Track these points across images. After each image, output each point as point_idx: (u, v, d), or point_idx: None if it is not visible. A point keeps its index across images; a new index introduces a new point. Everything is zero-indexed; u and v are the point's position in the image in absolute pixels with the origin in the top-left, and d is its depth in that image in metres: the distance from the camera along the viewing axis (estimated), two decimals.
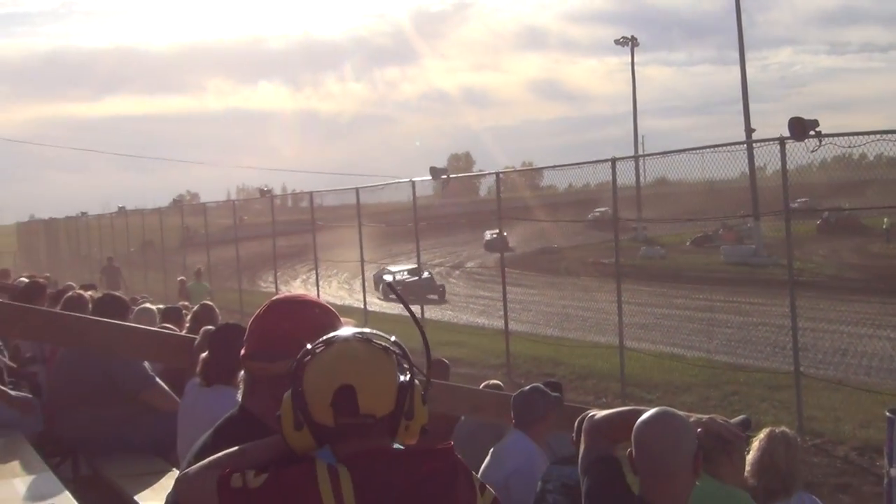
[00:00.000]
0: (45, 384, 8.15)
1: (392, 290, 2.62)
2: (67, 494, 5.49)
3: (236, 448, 2.35)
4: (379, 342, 2.30)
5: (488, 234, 43.97)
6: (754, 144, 16.66)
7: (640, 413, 3.43)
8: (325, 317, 2.58)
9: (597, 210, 33.55)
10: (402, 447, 2.29)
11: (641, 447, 3.29)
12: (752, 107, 43.04)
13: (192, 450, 2.55)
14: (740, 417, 4.32)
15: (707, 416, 3.68)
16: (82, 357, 6.93)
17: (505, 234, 36.37)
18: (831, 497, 9.82)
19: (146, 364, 7.12)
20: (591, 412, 3.70)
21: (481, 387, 7.54)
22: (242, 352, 2.62)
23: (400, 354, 2.31)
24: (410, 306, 2.54)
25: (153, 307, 10.23)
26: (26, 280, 10.65)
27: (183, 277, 27.76)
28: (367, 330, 2.36)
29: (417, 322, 2.47)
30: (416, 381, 2.30)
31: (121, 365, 6.88)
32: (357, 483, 2.16)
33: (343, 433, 2.23)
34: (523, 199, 24.75)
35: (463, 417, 7.17)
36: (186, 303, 16.19)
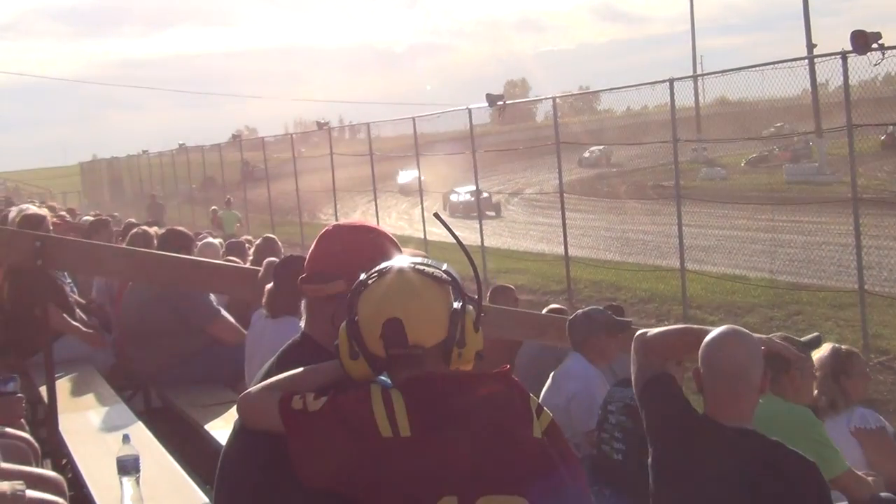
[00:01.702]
0: (114, 319, 8.34)
1: (439, 220, 2.62)
2: (140, 425, 5.64)
3: (297, 370, 2.41)
4: (429, 271, 2.33)
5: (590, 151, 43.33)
6: (816, 60, 16.30)
7: (693, 331, 3.44)
8: (376, 241, 2.61)
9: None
10: (457, 372, 2.33)
11: (711, 365, 3.28)
12: (813, 21, 42.14)
13: (257, 376, 2.61)
14: (812, 335, 4.32)
15: (766, 336, 3.68)
16: (150, 293, 7.06)
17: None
18: None
19: (212, 297, 7.25)
20: (641, 330, 3.70)
21: (544, 311, 7.57)
22: (301, 277, 2.67)
23: (451, 282, 2.34)
24: (459, 233, 2.56)
25: (216, 241, 10.36)
26: (91, 218, 10.82)
27: (215, 207, 28.27)
28: (418, 259, 2.38)
29: (465, 249, 2.49)
30: (470, 308, 2.33)
31: (187, 299, 7.01)
32: (410, 407, 2.21)
33: (395, 363, 2.28)
34: (580, 123, 24.57)
35: (525, 342, 7.21)
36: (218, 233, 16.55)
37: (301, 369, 2.41)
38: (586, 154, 42.53)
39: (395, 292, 2.28)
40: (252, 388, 2.44)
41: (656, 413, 3.51)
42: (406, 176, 30.76)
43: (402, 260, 2.37)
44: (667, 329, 3.70)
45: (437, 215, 2.69)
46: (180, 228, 8.88)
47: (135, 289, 7.29)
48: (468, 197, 29.20)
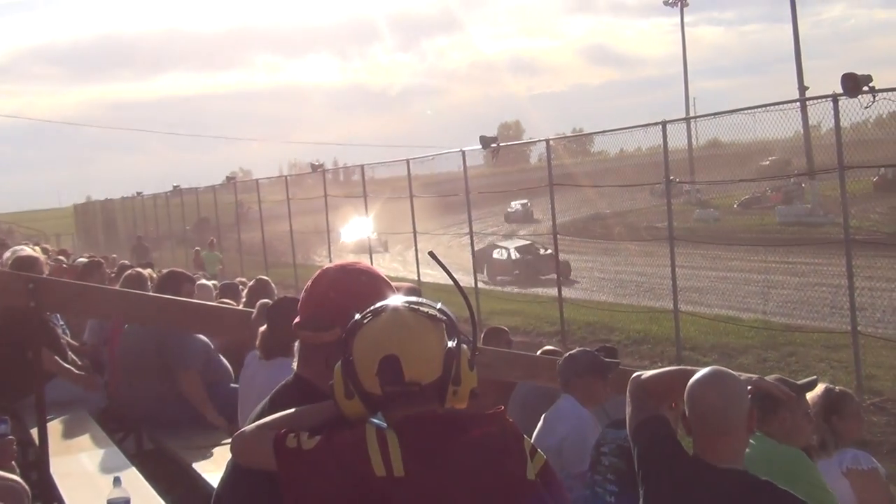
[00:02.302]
0: (107, 361, 8.32)
1: (434, 259, 2.64)
2: (132, 467, 5.62)
3: (291, 410, 2.41)
4: (424, 310, 2.34)
5: (513, 206, 43.68)
6: (808, 103, 16.45)
7: (688, 372, 3.45)
8: (371, 284, 2.61)
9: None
10: (452, 411, 2.33)
11: (695, 406, 3.30)
12: (805, 64, 42.54)
13: (250, 417, 2.61)
14: (809, 379, 4.32)
15: (756, 376, 3.69)
16: (144, 333, 7.07)
17: (529, 204, 35.62)
18: (890, 455, 9.73)
19: (204, 345, 7.22)
20: (637, 373, 3.72)
21: (538, 353, 7.57)
22: (295, 321, 2.67)
23: (446, 321, 2.35)
24: (458, 279, 2.57)
25: (209, 283, 10.36)
26: (85, 260, 10.82)
27: (198, 248, 28.41)
28: (413, 298, 2.39)
29: (460, 288, 2.51)
30: (464, 347, 2.34)
31: (172, 340, 7.01)
32: (405, 446, 2.21)
33: (391, 401, 2.28)
34: (573, 165, 24.66)
35: (518, 384, 7.21)
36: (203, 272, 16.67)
37: (296, 409, 2.42)
38: (510, 209, 43.35)
39: (391, 330, 2.29)
40: (247, 427, 2.45)
41: (648, 454, 3.51)
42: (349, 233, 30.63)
43: (396, 299, 2.39)
44: (662, 371, 3.71)
45: (432, 254, 2.70)
46: (180, 270, 8.89)
47: (132, 330, 7.28)
48: (516, 255, 28.53)
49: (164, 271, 9.06)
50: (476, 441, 2.28)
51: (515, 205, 42.39)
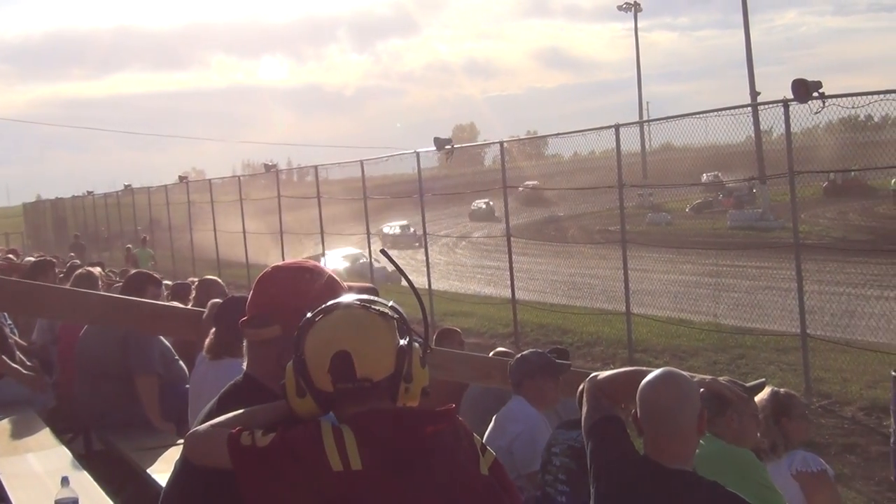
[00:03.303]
0: (56, 361, 8.23)
1: (386, 257, 2.64)
2: (80, 468, 5.56)
3: (244, 410, 2.40)
4: (376, 308, 2.34)
5: (475, 205, 44.06)
6: (759, 108, 16.59)
7: (643, 373, 3.47)
8: (313, 282, 2.61)
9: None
10: (404, 408, 2.34)
11: (646, 407, 3.33)
12: (757, 70, 43.05)
13: (199, 416, 2.60)
14: (757, 381, 4.36)
15: (709, 377, 3.73)
16: (107, 334, 6.98)
17: (491, 203, 35.97)
18: (839, 457, 9.86)
19: (163, 348, 7.16)
20: (594, 373, 3.75)
21: (490, 355, 7.58)
22: (241, 320, 2.66)
23: (398, 319, 2.35)
24: (406, 272, 2.58)
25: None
26: (34, 259, 10.70)
27: (130, 245, 28.44)
28: (364, 296, 2.40)
29: (412, 285, 2.52)
30: (416, 345, 2.34)
31: (134, 342, 6.94)
32: (361, 441, 2.21)
33: (343, 398, 2.28)
34: (528, 168, 24.74)
35: (470, 385, 7.22)
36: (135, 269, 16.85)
37: (248, 409, 2.41)
38: (474, 206, 43.12)
39: (342, 327, 2.30)
40: (200, 427, 2.43)
41: (601, 454, 3.53)
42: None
43: (348, 297, 2.39)
44: (617, 371, 3.74)
45: (384, 251, 2.70)
46: (147, 271, 8.82)
47: (93, 330, 7.19)
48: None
49: (132, 272, 8.97)
50: (430, 436, 2.30)
51: (479, 203, 42.45)
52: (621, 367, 4.67)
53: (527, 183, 21.84)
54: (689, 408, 3.28)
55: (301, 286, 2.59)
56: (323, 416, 2.29)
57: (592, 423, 3.58)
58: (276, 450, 2.23)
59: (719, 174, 32.51)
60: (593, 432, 3.57)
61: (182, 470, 2.49)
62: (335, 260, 26.69)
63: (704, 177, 32.42)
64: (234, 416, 2.38)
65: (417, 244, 29.59)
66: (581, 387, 4.29)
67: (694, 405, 3.28)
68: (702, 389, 3.46)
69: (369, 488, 2.19)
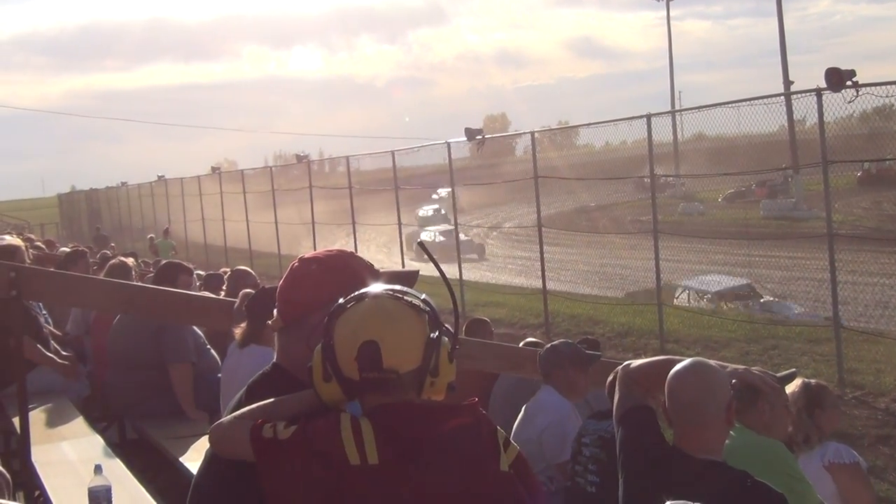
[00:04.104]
0: (90, 351, 8.31)
1: (423, 249, 2.63)
2: (114, 457, 5.62)
3: (268, 401, 2.42)
4: (408, 299, 2.34)
5: (423, 210, 39.74)
6: (792, 97, 16.48)
7: (674, 362, 3.46)
8: (319, 274, 2.64)
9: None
10: (427, 402, 2.34)
11: (674, 397, 3.32)
12: (791, 59, 42.77)
13: (228, 406, 2.62)
14: (788, 371, 4.34)
15: (742, 367, 3.70)
16: (140, 324, 7.04)
17: (442, 210, 34.76)
18: (872, 449, 9.80)
19: (196, 336, 7.22)
20: (626, 362, 3.74)
21: (521, 345, 7.58)
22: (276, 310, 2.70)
23: (428, 312, 2.35)
24: (441, 265, 2.57)
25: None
26: (68, 249, 10.79)
27: (153, 235, 28.76)
28: (397, 287, 2.40)
29: (447, 280, 2.51)
30: (445, 339, 2.34)
31: (167, 332, 6.99)
32: (379, 435, 2.21)
33: (368, 387, 2.28)
34: (559, 158, 24.68)
35: (501, 375, 7.22)
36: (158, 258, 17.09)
37: (274, 399, 2.42)
38: (422, 212, 39.26)
39: (372, 316, 2.30)
40: (224, 418, 2.45)
41: (630, 442, 3.53)
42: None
43: (380, 287, 2.39)
44: (650, 360, 3.73)
45: (421, 244, 2.71)
46: (178, 261, 8.87)
47: (126, 319, 7.25)
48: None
49: (163, 262, 9.04)
50: (450, 432, 2.29)
51: (426, 209, 39.63)
52: (652, 357, 4.65)
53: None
54: (716, 399, 3.26)
55: (304, 279, 2.62)
56: (347, 406, 2.30)
57: (623, 412, 3.58)
58: (296, 442, 2.24)
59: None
60: (624, 421, 3.57)
61: (211, 461, 2.51)
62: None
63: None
64: (259, 407, 2.40)
65: (475, 255, 29.52)
66: (611, 377, 4.29)
67: (721, 396, 3.27)
68: (733, 380, 3.44)
69: (385, 483, 2.19)
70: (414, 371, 2.28)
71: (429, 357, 2.28)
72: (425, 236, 30.76)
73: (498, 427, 2.42)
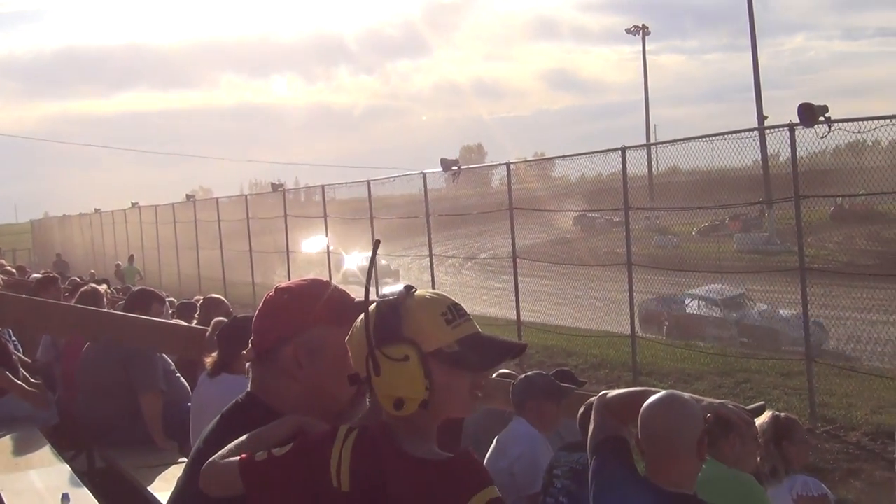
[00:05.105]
0: (59, 378, 8.23)
1: (374, 248, 2.46)
2: (81, 486, 5.55)
3: (249, 435, 2.34)
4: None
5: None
6: (766, 132, 16.63)
7: (651, 394, 3.47)
8: (289, 302, 2.57)
9: None
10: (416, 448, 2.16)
11: (646, 429, 3.32)
12: (765, 94, 43.10)
13: (201, 435, 2.58)
14: (757, 404, 4.35)
15: (718, 401, 3.70)
16: (109, 351, 6.99)
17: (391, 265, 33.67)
18: (843, 482, 9.83)
19: (166, 364, 7.17)
20: (603, 392, 3.73)
21: (493, 376, 7.55)
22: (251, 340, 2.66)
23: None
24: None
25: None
26: (38, 276, 10.73)
27: (119, 262, 28.78)
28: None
29: (367, 299, 2.25)
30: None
31: (139, 359, 6.94)
32: (355, 458, 2.11)
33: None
34: (534, 189, 24.76)
35: None
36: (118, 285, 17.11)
37: (254, 432, 2.34)
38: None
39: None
40: (215, 456, 2.36)
41: (602, 474, 3.53)
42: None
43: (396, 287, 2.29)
44: (626, 391, 3.72)
45: (378, 242, 2.57)
46: (151, 289, 8.80)
47: (95, 347, 7.20)
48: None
49: (135, 289, 8.98)
50: (420, 484, 2.12)
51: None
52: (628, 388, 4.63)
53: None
54: (687, 432, 3.26)
55: (272, 308, 2.59)
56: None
57: (597, 443, 3.57)
58: (292, 455, 2.16)
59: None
60: (597, 451, 3.56)
61: (181, 492, 2.47)
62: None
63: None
64: (246, 439, 2.32)
65: (390, 279, 29.22)
66: (582, 409, 4.28)
67: (693, 430, 3.27)
68: (708, 414, 3.43)
69: None
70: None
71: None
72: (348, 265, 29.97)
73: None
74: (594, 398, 4.22)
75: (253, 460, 2.19)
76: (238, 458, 2.23)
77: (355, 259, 29.16)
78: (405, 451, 2.13)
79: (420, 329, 2.14)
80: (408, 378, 2.10)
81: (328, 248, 26.56)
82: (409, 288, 2.22)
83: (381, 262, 29.37)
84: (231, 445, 2.32)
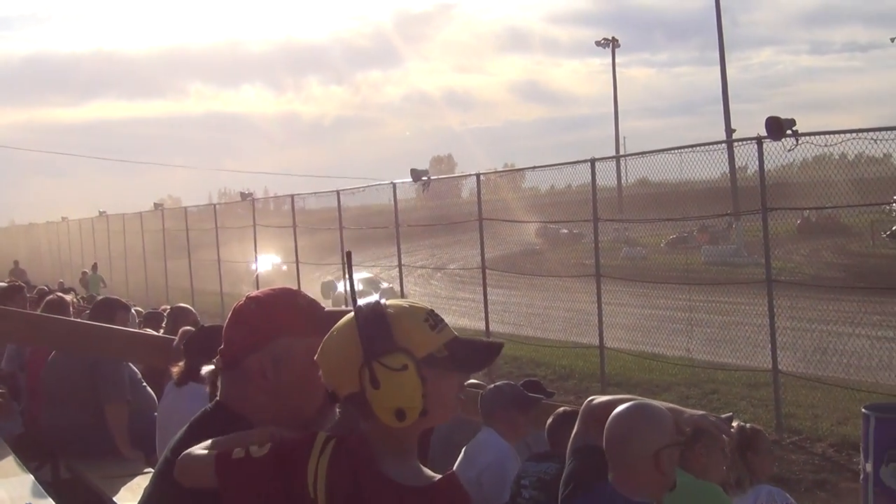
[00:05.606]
0: (24, 388, 8.16)
1: (348, 261, 2.41)
2: (46, 497, 5.50)
3: (230, 436, 2.31)
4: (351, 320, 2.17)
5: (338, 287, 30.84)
6: (734, 145, 16.74)
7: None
8: (255, 311, 2.56)
9: None
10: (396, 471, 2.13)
11: (606, 435, 3.33)
12: (734, 107, 43.49)
13: (168, 444, 2.56)
14: (725, 415, 4.36)
15: (700, 413, 3.66)
16: (75, 360, 6.94)
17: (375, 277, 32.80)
18: (809, 493, 9.89)
19: (132, 373, 7.12)
20: (591, 398, 3.72)
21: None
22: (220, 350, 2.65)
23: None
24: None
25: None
26: (4, 284, 10.64)
27: (85, 270, 28.72)
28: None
29: (355, 301, 2.20)
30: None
31: (104, 369, 6.89)
32: (332, 470, 2.08)
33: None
34: (503, 201, 24.82)
35: None
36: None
37: (240, 433, 2.33)
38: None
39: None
40: (194, 448, 2.35)
41: (574, 479, 3.54)
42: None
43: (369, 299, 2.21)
44: (612, 398, 3.70)
45: (349, 253, 2.53)
46: (115, 297, 8.74)
47: (61, 356, 7.14)
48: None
49: (100, 298, 8.92)
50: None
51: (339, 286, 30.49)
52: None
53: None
54: (642, 442, 3.24)
55: (240, 317, 2.58)
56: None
57: (576, 448, 3.58)
58: (268, 459, 2.13)
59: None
60: (575, 456, 3.57)
61: (154, 490, 2.46)
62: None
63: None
64: (228, 437, 2.30)
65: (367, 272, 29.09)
66: (550, 419, 4.28)
67: (650, 441, 3.24)
68: (687, 428, 3.42)
69: None
70: (354, 395, 2.12)
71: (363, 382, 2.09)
72: (341, 286, 28.37)
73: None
74: (562, 408, 4.23)
75: (229, 457, 2.17)
76: (215, 452, 2.21)
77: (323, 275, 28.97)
78: (385, 474, 2.09)
79: (410, 336, 2.11)
80: (409, 387, 2.06)
81: (296, 262, 26.42)
82: (381, 298, 2.21)
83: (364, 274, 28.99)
84: (208, 442, 2.31)
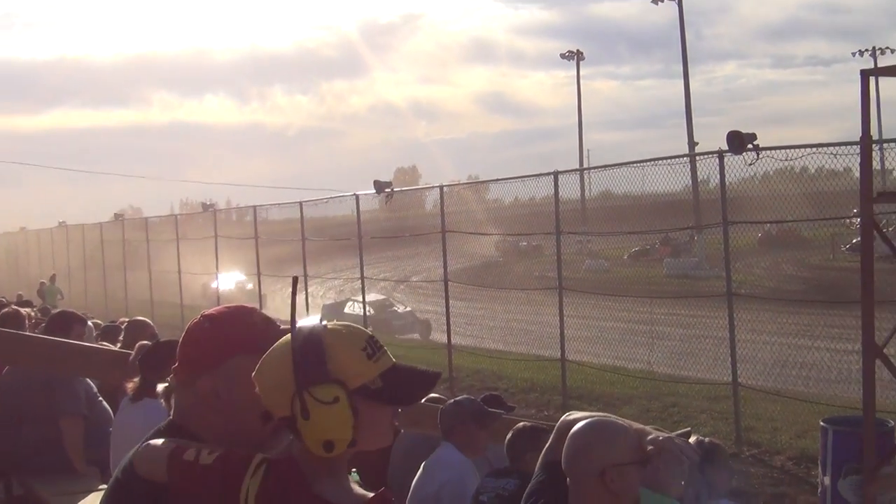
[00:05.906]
0: None
1: (294, 285, 2.36)
2: None
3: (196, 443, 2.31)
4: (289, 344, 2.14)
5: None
6: (696, 158, 16.87)
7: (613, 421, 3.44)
8: (209, 329, 2.53)
9: None
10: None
11: (563, 451, 3.31)
12: (697, 120, 43.78)
13: (120, 464, 2.53)
14: (683, 430, 4.36)
15: (665, 435, 3.59)
16: (30, 375, 6.83)
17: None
18: None
19: (88, 388, 7.03)
20: (568, 413, 3.70)
21: (423, 401, 7.52)
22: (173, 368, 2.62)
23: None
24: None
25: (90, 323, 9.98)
26: None
27: (43, 280, 28.63)
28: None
29: (294, 324, 2.17)
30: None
31: (61, 385, 6.80)
32: (262, 493, 2.09)
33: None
34: (468, 212, 24.84)
35: (402, 431, 7.16)
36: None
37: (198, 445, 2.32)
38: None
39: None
40: (155, 440, 2.35)
41: (538, 493, 3.51)
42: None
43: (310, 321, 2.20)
44: (591, 414, 3.67)
45: (296, 279, 2.48)
46: (71, 310, 8.62)
47: (14, 371, 7.03)
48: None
49: (55, 311, 8.81)
50: None
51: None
52: (555, 413, 4.58)
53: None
54: (588, 460, 3.19)
55: (194, 335, 2.55)
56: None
57: (546, 462, 3.56)
58: (212, 470, 2.13)
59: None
60: (545, 470, 3.54)
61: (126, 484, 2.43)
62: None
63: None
64: (188, 441, 2.30)
65: (416, 335, 28.52)
66: (510, 434, 4.26)
67: (597, 460, 3.18)
68: (650, 447, 3.39)
69: None
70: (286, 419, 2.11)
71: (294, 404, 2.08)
72: (348, 307, 27.74)
73: None
74: (521, 423, 4.20)
75: (181, 457, 2.18)
76: (171, 447, 2.23)
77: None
78: (320, 496, 2.08)
79: (343, 366, 2.08)
80: (339, 420, 2.04)
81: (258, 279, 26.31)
82: (323, 322, 2.18)
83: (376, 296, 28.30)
84: (171, 441, 2.30)
